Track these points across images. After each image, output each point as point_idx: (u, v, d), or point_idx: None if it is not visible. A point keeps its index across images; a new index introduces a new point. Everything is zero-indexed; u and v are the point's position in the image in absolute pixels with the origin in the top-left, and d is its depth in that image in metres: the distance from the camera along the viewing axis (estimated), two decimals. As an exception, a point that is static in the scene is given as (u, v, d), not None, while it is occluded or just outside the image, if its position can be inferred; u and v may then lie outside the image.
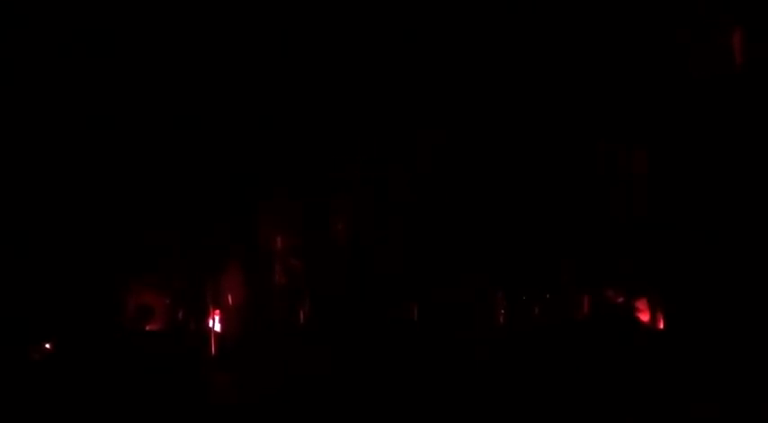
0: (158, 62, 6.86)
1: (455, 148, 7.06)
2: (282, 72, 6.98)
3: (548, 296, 6.68)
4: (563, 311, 6.64)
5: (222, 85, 6.92)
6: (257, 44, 6.91)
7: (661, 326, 6.27)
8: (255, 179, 7.13)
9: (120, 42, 6.78)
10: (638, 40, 6.42)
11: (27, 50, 6.67)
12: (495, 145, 6.99)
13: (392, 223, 7.15)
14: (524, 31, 6.77)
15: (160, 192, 6.96)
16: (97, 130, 6.81)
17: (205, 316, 6.92)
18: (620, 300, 6.45)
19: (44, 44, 6.69)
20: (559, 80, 6.77)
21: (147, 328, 6.92)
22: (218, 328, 6.93)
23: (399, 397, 6.02)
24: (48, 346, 6.53)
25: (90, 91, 6.80)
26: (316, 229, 7.22)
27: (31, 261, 6.61)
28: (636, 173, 6.65)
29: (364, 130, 7.07)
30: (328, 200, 7.17)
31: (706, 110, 6.05)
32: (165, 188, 6.97)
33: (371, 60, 6.98)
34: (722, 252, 5.84)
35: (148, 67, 6.85)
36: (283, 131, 7.12)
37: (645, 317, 6.34)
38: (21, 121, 6.70)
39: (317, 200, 7.19)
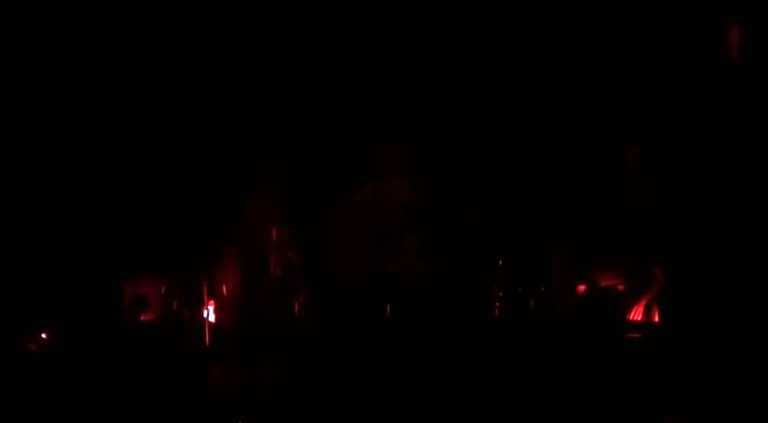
0: (154, 63, 6.93)
1: (452, 142, 7.07)
2: (272, 69, 7.03)
3: (543, 289, 6.67)
4: (557, 304, 6.63)
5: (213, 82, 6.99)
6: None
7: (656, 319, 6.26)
8: (251, 169, 7.15)
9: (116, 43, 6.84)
10: (642, 38, 6.43)
11: (26, 50, 6.72)
12: (492, 138, 7.01)
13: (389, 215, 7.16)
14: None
15: (154, 183, 6.98)
16: (88, 125, 6.86)
17: (199, 307, 6.91)
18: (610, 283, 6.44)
19: (42, 43, 6.73)
20: (556, 75, 6.81)
21: (142, 318, 6.93)
22: (212, 318, 6.93)
23: (397, 392, 6.01)
24: (43, 336, 6.53)
25: (87, 91, 6.86)
26: (312, 220, 7.22)
27: (25, 253, 6.62)
28: (633, 166, 6.63)
29: (358, 123, 7.09)
30: (323, 191, 7.17)
31: (706, 107, 6.04)
32: (159, 179, 6.99)
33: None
34: (721, 247, 5.82)
35: (143, 67, 6.92)
36: (277, 122, 7.15)
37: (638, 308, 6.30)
38: (19, 120, 6.73)
39: (312, 191, 7.19)
